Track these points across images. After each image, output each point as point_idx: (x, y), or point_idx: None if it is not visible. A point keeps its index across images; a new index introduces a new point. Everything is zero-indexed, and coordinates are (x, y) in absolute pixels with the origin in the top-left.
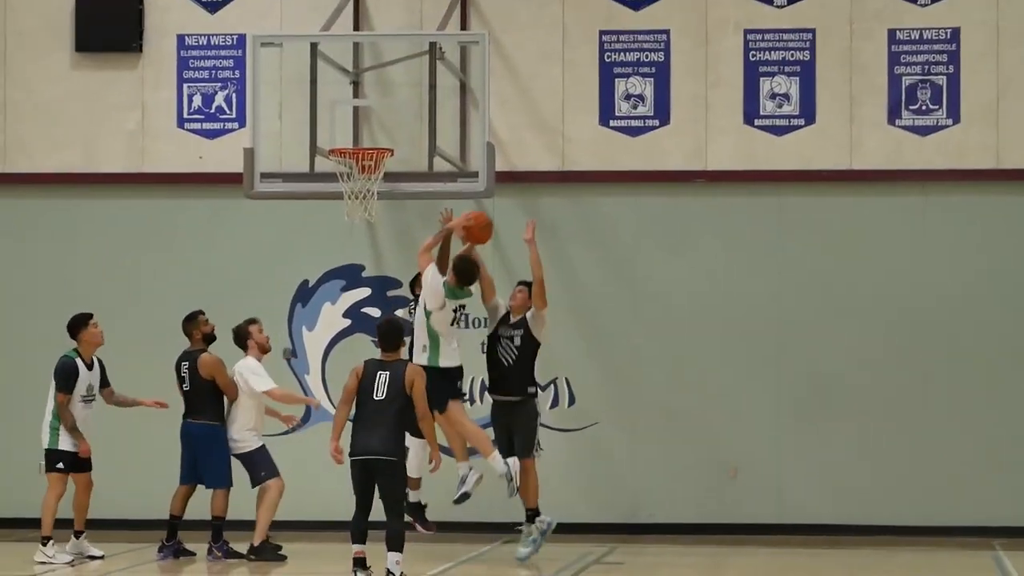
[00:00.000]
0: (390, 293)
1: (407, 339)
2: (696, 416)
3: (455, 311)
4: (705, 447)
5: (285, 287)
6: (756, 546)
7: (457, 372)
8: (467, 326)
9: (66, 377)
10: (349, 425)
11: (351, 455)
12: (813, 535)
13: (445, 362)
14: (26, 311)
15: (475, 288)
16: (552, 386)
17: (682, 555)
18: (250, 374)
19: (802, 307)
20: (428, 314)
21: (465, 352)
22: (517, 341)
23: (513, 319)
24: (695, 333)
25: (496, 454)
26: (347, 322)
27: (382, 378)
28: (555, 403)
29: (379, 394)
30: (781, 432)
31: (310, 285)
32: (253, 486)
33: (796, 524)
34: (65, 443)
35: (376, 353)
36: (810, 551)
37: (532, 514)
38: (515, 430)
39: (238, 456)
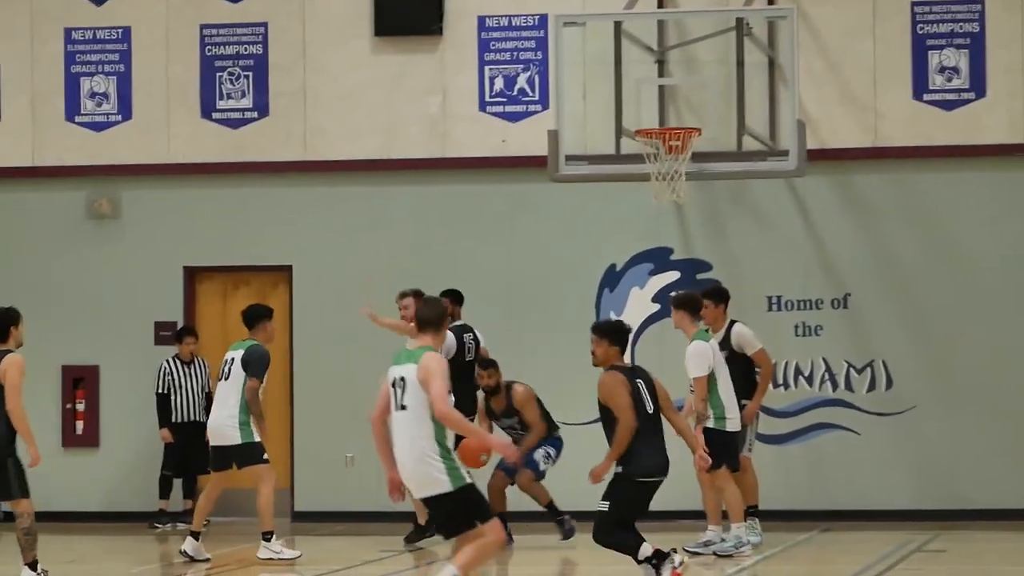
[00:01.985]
0: (699, 276)
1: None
2: (1017, 397)
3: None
4: None
5: (592, 272)
6: None
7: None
8: None
9: (266, 364)
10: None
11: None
12: None
13: None
14: (325, 298)
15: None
16: (868, 369)
17: (1007, 541)
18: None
19: None
20: None
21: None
22: None
23: None
24: (1015, 311)
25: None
26: (656, 307)
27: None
28: (872, 386)
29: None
30: None
31: (617, 269)
32: None
33: None
34: (256, 433)
35: None
36: None
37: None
38: None
39: None
